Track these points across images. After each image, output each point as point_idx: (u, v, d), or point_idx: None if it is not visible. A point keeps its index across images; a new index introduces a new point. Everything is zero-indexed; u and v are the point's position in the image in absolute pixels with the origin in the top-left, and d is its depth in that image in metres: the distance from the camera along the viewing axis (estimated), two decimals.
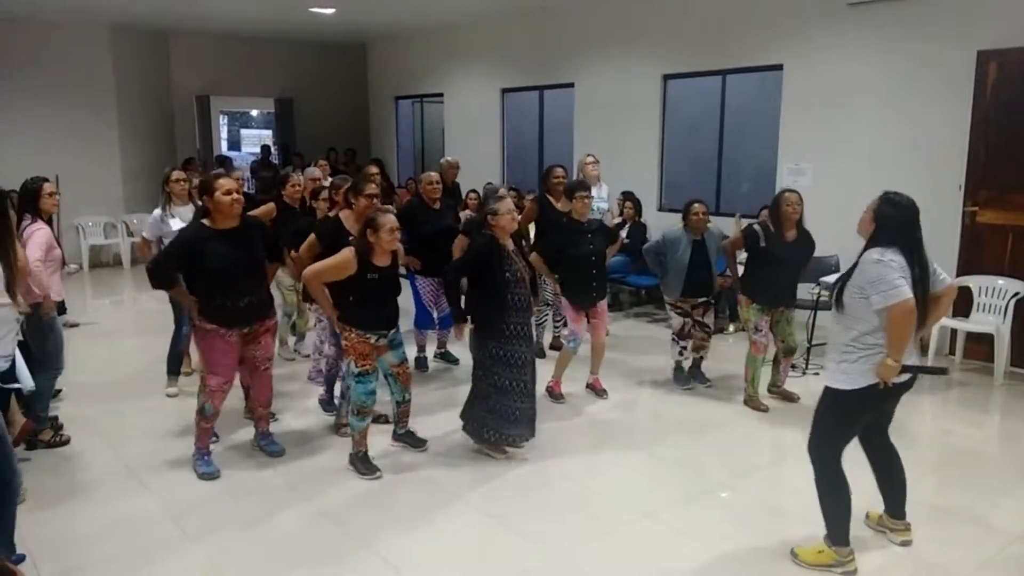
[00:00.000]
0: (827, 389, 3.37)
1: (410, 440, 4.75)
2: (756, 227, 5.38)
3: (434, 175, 6.21)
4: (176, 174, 5.74)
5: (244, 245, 4.23)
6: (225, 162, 12.25)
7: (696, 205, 5.63)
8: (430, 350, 6.57)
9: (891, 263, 3.13)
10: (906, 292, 3.10)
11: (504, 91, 11.23)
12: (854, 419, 3.38)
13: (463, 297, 4.68)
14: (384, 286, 4.28)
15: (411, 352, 6.51)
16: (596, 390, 5.75)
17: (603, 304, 5.60)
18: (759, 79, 8.50)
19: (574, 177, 7.42)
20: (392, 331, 4.43)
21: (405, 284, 5.06)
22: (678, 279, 5.66)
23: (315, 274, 4.28)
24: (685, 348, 5.90)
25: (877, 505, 3.74)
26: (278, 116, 14.69)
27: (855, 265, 3.29)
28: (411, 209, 6.17)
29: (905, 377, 3.27)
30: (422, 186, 6.19)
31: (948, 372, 3.22)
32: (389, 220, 4.21)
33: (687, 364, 5.96)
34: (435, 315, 6.22)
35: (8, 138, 10.40)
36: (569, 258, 5.38)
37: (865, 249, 3.27)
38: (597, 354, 5.71)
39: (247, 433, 4.89)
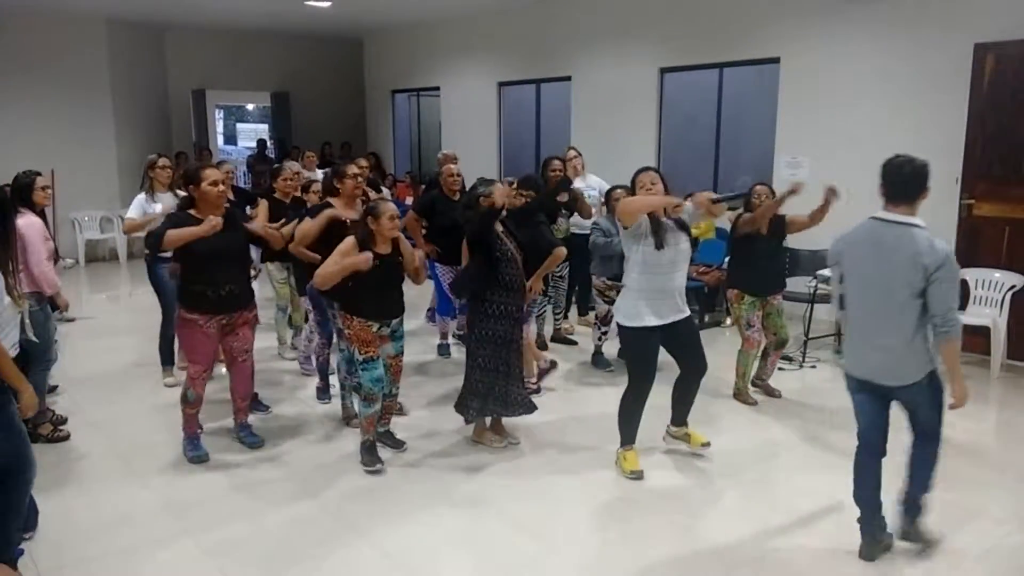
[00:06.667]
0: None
1: (388, 440, 4.61)
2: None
3: (455, 167, 6.30)
4: (162, 161, 5.75)
5: (227, 235, 4.25)
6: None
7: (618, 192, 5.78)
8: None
9: None
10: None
11: (501, 84, 11.21)
12: (642, 353, 4.15)
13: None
14: (385, 274, 4.25)
15: (433, 341, 6.62)
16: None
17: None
18: (756, 72, 8.49)
19: None
20: (396, 321, 4.42)
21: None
22: (612, 263, 5.55)
23: (326, 277, 4.14)
24: (606, 334, 6.10)
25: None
26: (274, 110, 14.66)
27: None
28: (431, 200, 6.30)
29: (672, 319, 4.09)
30: (443, 178, 6.27)
31: (745, 196, 4.74)
32: (389, 208, 4.25)
33: (606, 348, 6.20)
34: (456, 302, 6.26)
35: (3, 132, 10.36)
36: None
37: None
38: None
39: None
